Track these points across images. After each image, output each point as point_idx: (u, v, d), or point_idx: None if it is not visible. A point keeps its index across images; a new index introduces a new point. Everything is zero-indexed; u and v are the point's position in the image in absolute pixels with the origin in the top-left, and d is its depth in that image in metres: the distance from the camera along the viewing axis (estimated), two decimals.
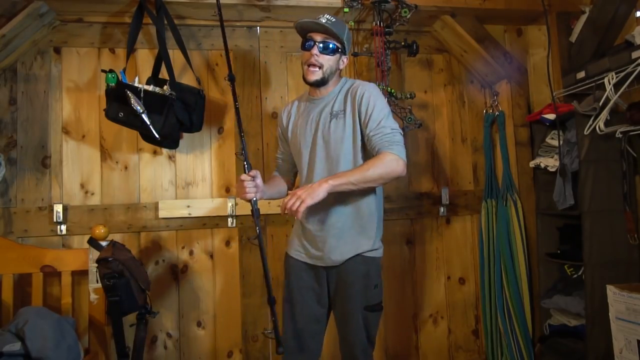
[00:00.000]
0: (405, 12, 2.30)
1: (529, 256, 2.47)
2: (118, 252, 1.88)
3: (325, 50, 1.72)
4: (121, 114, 2.02)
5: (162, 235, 2.35)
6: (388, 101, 2.31)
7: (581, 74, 2.23)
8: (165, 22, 2.17)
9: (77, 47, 2.31)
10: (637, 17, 2.17)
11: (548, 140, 2.50)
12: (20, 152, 2.23)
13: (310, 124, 1.80)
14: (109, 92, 2.04)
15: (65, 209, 2.21)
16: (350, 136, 1.73)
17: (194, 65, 2.31)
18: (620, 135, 2.09)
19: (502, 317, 2.45)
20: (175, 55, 2.26)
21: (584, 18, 2.29)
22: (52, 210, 2.19)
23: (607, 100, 2.05)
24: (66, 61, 2.31)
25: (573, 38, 2.39)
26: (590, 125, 2.13)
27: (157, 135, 2.02)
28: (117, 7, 2.22)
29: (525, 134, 2.60)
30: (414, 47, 2.37)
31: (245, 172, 1.72)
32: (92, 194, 2.29)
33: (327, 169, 1.74)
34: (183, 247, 2.37)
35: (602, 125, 2.08)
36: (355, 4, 2.31)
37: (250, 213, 2.35)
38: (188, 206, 2.33)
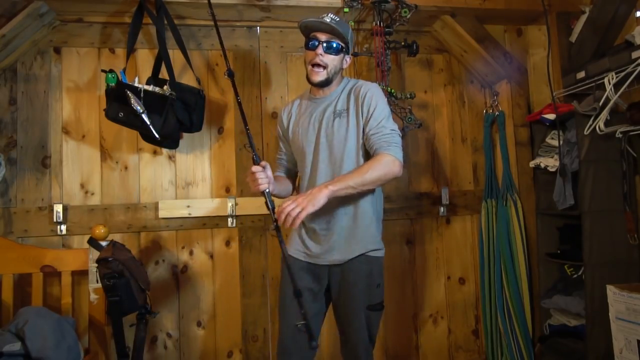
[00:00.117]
0: (405, 12, 2.30)
1: (529, 256, 2.47)
2: (118, 252, 1.88)
3: (329, 50, 1.72)
4: (121, 114, 2.02)
5: (162, 235, 2.35)
6: (388, 101, 2.30)
7: (581, 74, 2.23)
8: (165, 22, 2.17)
9: (77, 47, 2.32)
10: (637, 17, 2.17)
11: (548, 140, 2.50)
12: (20, 152, 2.23)
13: (313, 124, 1.80)
14: (109, 92, 2.04)
15: (65, 209, 2.21)
16: (354, 135, 1.74)
17: (194, 65, 2.31)
18: (620, 135, 2.09)
19: (502, 317, 2.45)
20: (175, 55, 2.26)
21: (584, 18, 2.29)
22: (52, 210, 2.19)
23: (607, 100, 2.05)
24: (66, 61, 2.31)
25: (573, 38, 2.39)
26: (590, 125, 2.13)
27: (157, 135, 2.02)
28: (117, 7, 2.22)
29: (525, 134, 2.60)
30: (414, 47, 2.37)
31: (254, 164, 1.67)
32: (92, 194, 2.29)
33: (331, 168, 1.74)
34: (183, 247, 2.37)
35: (602, 125, 2.08)
36: (355, 4, 2.31)
37: (250, 213, 2.39)
38: (188, 206, 2.33)
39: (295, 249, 1.82)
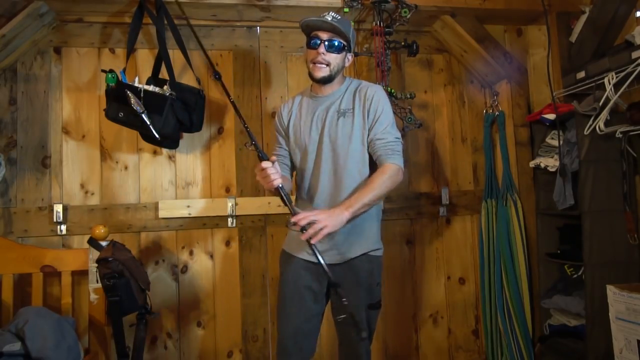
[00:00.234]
0: (405, 12, 2.30)
1: (529, 256, 2.47)
2: (118, 252, 1.88)
3: (331, 49, 1.71)
4: (121, 114, 2.02)
5: (162, 235, 2.35)
6: None
7: (581, 74, 2.23)
8: (165, 22, 2.17)
9: (77, 47, 2.32)
10: (637, 17, 2.17)
11: (548, 140, 2.50)
12: (20, 152, 2.23)
13: (316, 122, 1.79)
14: (109, 92, 2.04)
15: (65, 209, 2.21)
16: (359, 135, 1.74)
17: (194, 65, 2.31)
18: (620, 135, 2.09)
19: (502, 317, 2.45)
20: (175, 55, 2.26)
21: (584, 18, 2.29)
22: (52, 210, 2.19)
23: (607, 100, 2.05)
24: (66, 61, 2.31)
25: (573, 38, 2.39)
26: (590, 125, 2.13)
27: (157, 135, 2.02)
28: (117, 7, 2.22)
29: (525, 134, 2.60)
30: (414, 47, 2.37)
31: (261, 161, 1.61)
32: (92, 194, 2.29)
33: (333, 168, 1.74)
34: (183, 247, 2.37)
35: (602, 125, 2.08)
36: (355, 4, 2.31)
37: (250, 213, 2.39)
38: (188, 206, 2.33)
39: (295, 247, 1.81)
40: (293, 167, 1.90)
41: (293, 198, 1.90)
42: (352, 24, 2.44)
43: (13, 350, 1.63)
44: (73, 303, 2.09)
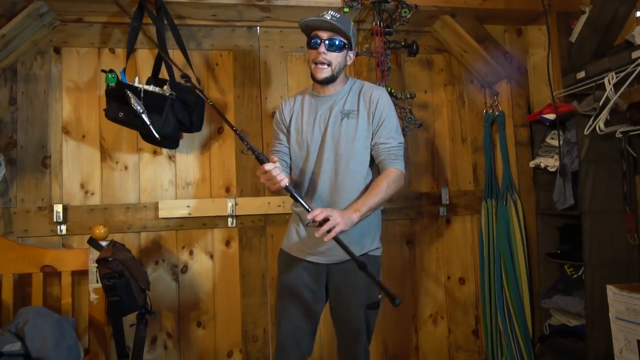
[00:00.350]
0: (405, 12, 2.30)
1: (529, 256, 2.47)
2: (118, 252, 1.88)
3: (332, 48, 1.71)
4: (121, 114, 2.02)
5: (162, 235, 2.35)
6: None
7: (581, 74, 2.23)
8: (165, 22, 2.17)
9: (77, 47, 2.32)
10: (637, 17, 2.17)
11: (548, 140, 2.50)
12: (20, 152, 2.23)
13: (319, 122, 1.78)
14: (109, 92, 2.04)
15: (65, 209, 2.21)
16: (363, 137, 1.73)
17: (194, 65, 2.31)
18: (620, 135, 2.09)
19: (502, 317, 2.45)
20: (175, 55, 2.26)
21: (584, 18, 2.29)
22: (52, 210, 2.19)
23: (607, 100, 2.05)
24: (66, 61, 2.31)
25: (573, 38, 2.39)
26: (590, 125, 2.13)
27: (157, 135, 2.02)
28: (117, 7, 2.22)
29: (525, 134, 2.60)
30: (414, 47, 2.37)
31: (262, 163, 1.55)
32: (92, 194, 2.29)
33: (335, 169, 1.73)
34: (183, 247, 2.37)
35: (602, 125, 2.08)
36: (355, 4, 2.31)
37: (250, 213, 2.39)
38: (188, 206, 2.33)
39: (294, 247, 1.81)
40: (291, 165, 1.89)
41: (285, 197, 1.89)
42: (352, 24, 2.45)
43: (13, 350, 1.63)
44: (73, 303, 2.09)
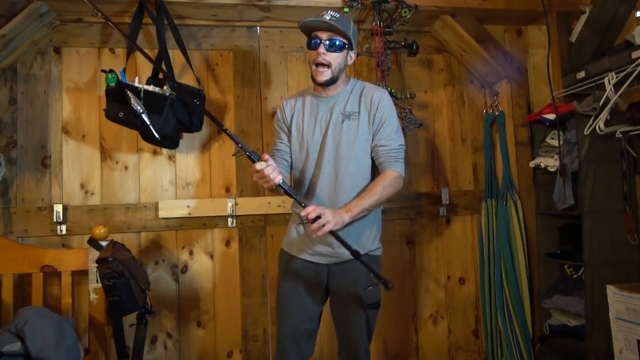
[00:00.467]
0: (405, 12, 2.30)
1: (529, 256, 2.47)
2: (118, 252, 1.88)
3: (332, 48, 1.70)
4: (121, 114, 2.02)
5: (162, 235, 2.35)
6: None
7: (581, 74, 2.23)
8: (165, 22, 2.17)
9: (77, 47, 2.32)
10: (637, 17, 2.17)
11: (548, 140, 2.50)
12: (20, 152, 2.23)
13: (320, 123, 1.77)
14: (109, 92, 2.04)
15: (65, 209, 2.21)
16: (364, 139, 1.73)
17: (194, 65, 2.31)
18: (620, 135, 2.08)
19: (502, 317, 2.45)
20: (175, 55, 2.26)
21: (584, 18, 2.29)
22: (52, 210, 2.19)
23: (607, 100, 2.05)
24: (66, 61, 2.31)
25: (573, 38, 2.39)
26: (590, 125, 2.13)
27: (157, 135, 2.02)
28: (117, 7, 2.22)
29: (525, 134, 2.60)
30: (414, 47, 2.37)
31: (254, 162, 1.52)
32: (92, 194, 2.29)
33: (335, 170, 1.73)
34: (183, 247, 2.37)
35: (602, 125, 2.08)
36: (355, 4, 2.31)
37: (250, 213, 2.39)
38: (188, 206, 2.33)
39: (295, 247, 1.81)
40: (291, 164, 1.88)
41: (285, 197, 1.88)
42: (353, 23, 2.45)
43: (13, 350, 1.63)
44: (73, 303, 2.09)
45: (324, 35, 1.70)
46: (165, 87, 2.10)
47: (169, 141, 2.20)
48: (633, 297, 1.87)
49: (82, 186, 2.28)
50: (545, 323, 2.47)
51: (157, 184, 2.35)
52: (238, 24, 2.45)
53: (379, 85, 2.28)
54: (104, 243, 2.01)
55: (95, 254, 1.98)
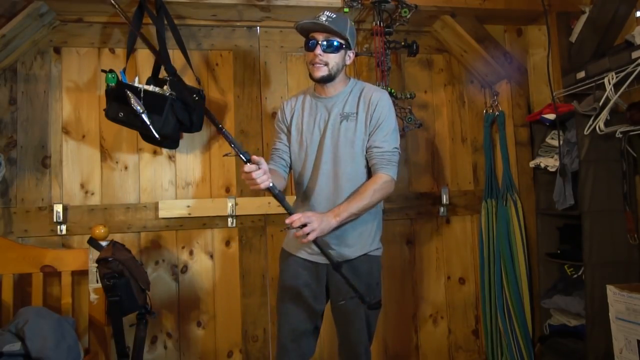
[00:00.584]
0: (405, 12, 2.30)
1: (529, 256, 2.47)
2: (118, 252, 1.88)
3: (329, 49, 1.70)
4: (121, 114, 2.01)
5: (162, 235, 2.35)
6: None
7: (581, 74, 2.23)
8: (165, 22, 2.17)
9: (77, 47, 2.32)
10: (637, 17, 2.17)
11: (548, 140, 2.50)
12: (20, 152, 2.23)
13: (319, 124, 1.78)
14: (109, 92, 2.04)
15: (65, 209, 2.21)
16: (361, 140, 1.73)
17: (194, 65, 2.31)
18: (620, 135, 2.09)
19: (502, 317, 2.45)
20: (175, 55, 2.26)
21: (584, 18, 2.29)
22: (52, 210, 2.19)
23: (607, 100, 2.05)
24: (66, 61, 2.31)
25: (573, 38, 2.39)
26: (590, 125, 2.13)
27: (157, 135, 2.02)
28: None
29: (525, 134, 2.60)
30: (414, 47, 2.37)
31: (245, 163, 1.51)
32: (92, 194, 2.29)
33: (333, 171, 1.73)
34: (183, 247, 2.37)
35: (602, 125, 2.08)
36: (355, 4, 2.31)
37: (250, 213, 2.39)
38: (188, 206, 2.33)
39: (295, 246, 1.81)
40: (291, 164, 1.88)
41: (291, 198, 1.90)
42: (350, 23, 2.45)
43: (13, 350, 1.63)
44: (73, 303, 2.09)
45: (320, 37, 1.70)
46: (165, 87, 2.10)
47: (169, 141, 2.20)
48: (633, 297, 1.87)
49: (82, 186, 2.28)
50: (545, 323, 2.47)
51: (157, 184, 2.35)
52: (238, 24, 2.45)
53: (378, 85, 2.28)
54: (104, 243, 2.01)
55: (95, 254, 1.98)
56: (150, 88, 2.05)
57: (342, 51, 1.74)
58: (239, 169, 2.41)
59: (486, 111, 2.66)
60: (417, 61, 2.66)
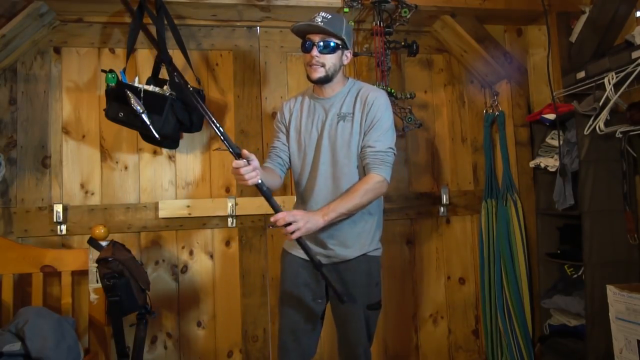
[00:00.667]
0: (405, 12, 2.30)
1: (529, 256, 2.47)
2: (118, 252, 1.88)
3: (325, 50, 1.69)
4: (121, 114, 2.01)
5: (162, 235, 2.35)
6: None
7: (581, 74, 2.23)
8: (165, 22, 2.17)
9: (77, 47, 2.31)
10: (637, 17, 2.17)
11: (548, 140, 2.50)
12: (20, 152, 2.23)
13: (316, 125, 1.78)
14: (109, 92, 2.04)
15: (65, 209, 2.21)
16: (357, 141, 1.72)
17: (194, 65, 2.31)
18: (620, 135, 2.08)
19: (502, 317, 2.45)
20: (175, 55, 2.26)
21: (584, 18, 2.29)
22: (52, 210, 2.19)
23: (607, 100, 2.05)
24: (66, 61, 2.31)
25: (573, 38, 2.39)
26: (590, 125, 2.13)
27: (157, 135, 2.02)
28: (117, 7, 2.21)
29: (525, 134, 2.60)
30: (414, 47, 2.37)
31: (235, 159, 1.52)
32: (92, 194, 2.29)
33: (331, 172, 1.73)
34: (183, 247, 2.37)
35: (602, 125, 2.08)
36: (355, 4, 2.31)
37: (250, 213, 2.39)
38: (188, 206, 2.33)
39: (295, 246, 1.80)
40: (290, 164, 1.88)
41: (285, 198, 1.90)
42: (352, 23, 2.45)
43: (13, 350, 1.63)
44: (73, 303, 2.09)
45: (316, 38, 1.70)
46: (165, 87, 2.10)
47: (169, 141, 2.20)
48: (633, 297, 1.87)
49: (82, 186, 2.28)
50: (545, 323, 2.47)
51: (157, 184, 2.35)
52: (238, 24, 2.45)
53: (378, 85, 2.28)
54: (104, 243, 2.01)
55: (95, 254, 1.98)
56: (150, 88, 2.05)
57: (339, 51, 1.73)
58: None
59: (486, 111, 2.66)
60: (417, 61, 2.66)
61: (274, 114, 2.47)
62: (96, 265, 1.87)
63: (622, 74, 1.98)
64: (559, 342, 2.35)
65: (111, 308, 1.82)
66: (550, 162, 2.41)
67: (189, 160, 2.40)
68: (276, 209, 1.57)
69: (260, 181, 1.56)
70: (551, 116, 2.35)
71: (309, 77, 1.75)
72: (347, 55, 1.78)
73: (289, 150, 1.85)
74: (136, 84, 2.03)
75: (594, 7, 2.24)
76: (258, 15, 2.39)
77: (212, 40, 2.44)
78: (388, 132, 1.72)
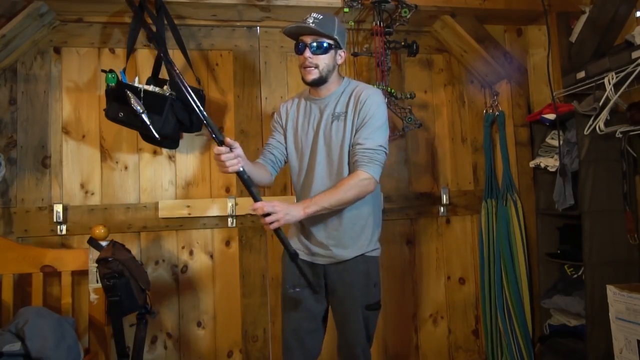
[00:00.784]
0: (405, 12, 2.30)
1: (529, 256, 2.47)
2: (118, 252, 1.88)
3: (318, 50, 1.69)
4: (121, 114, 2.01)
5: (162, 235, 2.35)
6: (388, 101, 2.32)
7: (581, 74, 2.23)
8: (165, 22, 2.17)
9: (77, 47, 2.32)
10: (637, 17, 2.17)
11: (548, 140, 2.50)
12: (20, 152, 2.23)
13: (312, 125, 1.79)
14: (109, 92, 2.04)
15: (65, 209, 2.21)
16: (350, 139, 1.72)
17: (194, 65, 2.31)
18: (620, 135, 2.08)
19: (502, 317, 2.45)
20: (175, 55, 2.26)
21: (584, 18, 2.29)
22: (52, 210, 2.19)
23: (607, 100, 2.05)
24: (66, 61, 2.31)
25: (573, 38, 2.39)
26: (590, 125, 2.13)
27: (157, 135, 2.02)
28: (117, 7, 2.22)
29: (525, 134, 2.60)
30: (414, 47, 2.37)
31: (218, 145, 1.51)
32: (92, 194, 2.29)
33: (328, 172, 1.74)
34: (183, 247, 2.37)
35: (602, 125, 2.08)
36: (355, 4, 2.31)
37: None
38: (188, 206, 2.33)
39: (294, 245, 1.80)
40: (283, 162, 1.89)
41: (286, 198, 1.90)
42: (352, 23, 2.44)
43: (13, 350, 1.63)
44: (73, 303, 2.09)
45: (308, 39, 1.70)
46: (165, 87, 2.10)
47: (169, 141, 2.20)
48: (633, 297, 1.87)
49: (82, 186, 2.28)
50: (545, 323, 2.47)
51: (157, 184, 2.35)
52: (238, 24, 2.45)
53: (378, 86, 2.29)
54: (104, 243, 2.01)
55: (95, 254, 1.98)
56: (150, 88, 2.05)
57: (332, 51, 1.73)
58: None
59: (486, 111, 2.66)
60: (417, 61, 2.66)
61: (273, 114, 2.46)
62: (96, 265, 1.87)
63: (622, 74, 1.98)
64: (559, 342, 2.35)
65: (111, 308, 1.82)
66: (550, 162, 2.41)
67: (189, 160, 2.40)
68: (255, 198, 1.55)
69: (241, 169, 1.54)
70: (551, 116, 2.35)
71: (303, 80, 1.75)
72: (341, 54, 1.78)
73: (286, 150, 1.86)
74: (136, 84, 2.03)
75: (594, 7, 2.24)
76: (258, 15, 2.39)
77: (212, 40, 2.44)
78: (379, 130, 1.69)
